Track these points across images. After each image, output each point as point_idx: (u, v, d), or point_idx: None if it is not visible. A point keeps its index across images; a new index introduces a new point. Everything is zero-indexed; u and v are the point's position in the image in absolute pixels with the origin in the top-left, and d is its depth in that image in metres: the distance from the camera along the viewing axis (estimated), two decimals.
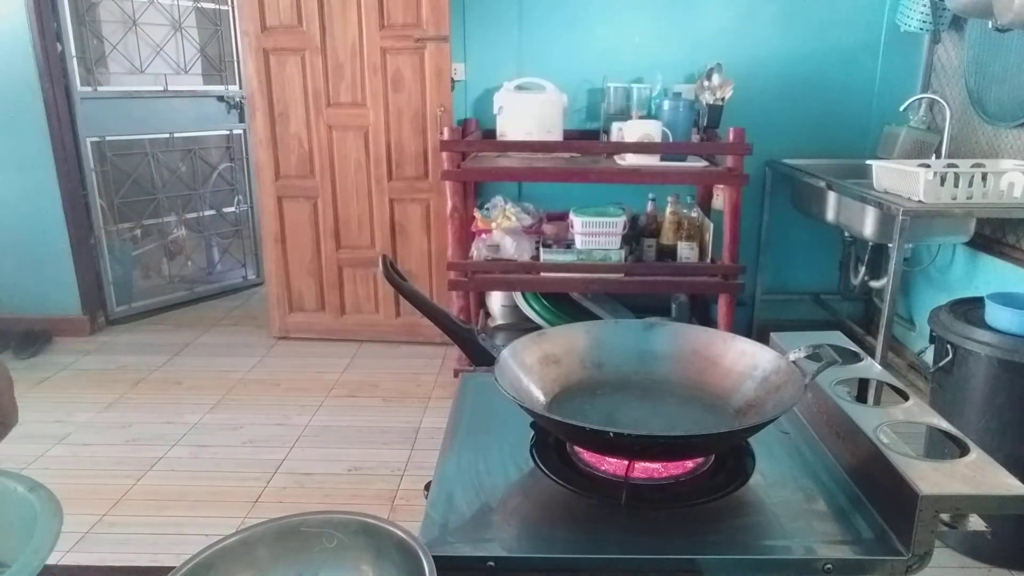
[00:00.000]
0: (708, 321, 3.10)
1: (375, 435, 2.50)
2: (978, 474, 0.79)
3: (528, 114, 2.88)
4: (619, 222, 2.70)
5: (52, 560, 0.66)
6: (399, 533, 0.74)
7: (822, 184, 2.67)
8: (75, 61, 3.25)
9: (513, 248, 2.79)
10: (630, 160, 2.72)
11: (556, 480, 0.92)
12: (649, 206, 2.93)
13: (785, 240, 3.28)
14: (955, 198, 2.19)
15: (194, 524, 2.02)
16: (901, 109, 2.76)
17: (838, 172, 2.76)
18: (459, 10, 3.08)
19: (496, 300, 3.13)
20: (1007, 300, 1.78)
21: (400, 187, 3.15)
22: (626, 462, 0.89)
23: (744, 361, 1.02)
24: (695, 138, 2.84)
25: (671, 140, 2.69)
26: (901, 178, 2.30)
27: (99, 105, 3.38)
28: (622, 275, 2.72)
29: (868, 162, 2.48)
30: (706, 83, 2.86)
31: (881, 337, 2.38)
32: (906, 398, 0.98)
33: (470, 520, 0.86)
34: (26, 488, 0.73)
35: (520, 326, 2.98)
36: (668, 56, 3.09)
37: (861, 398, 1.05)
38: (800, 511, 0.87)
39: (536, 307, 2.94)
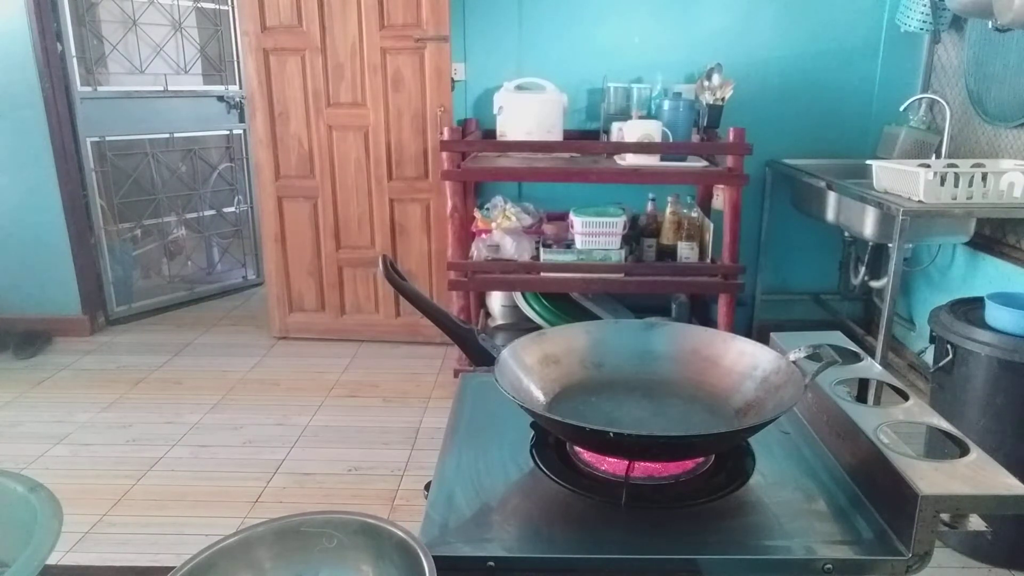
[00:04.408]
0: (708, 321, 3.10)
1: (375, 435, 2.50)
2: (978, 474, 0.79)
3: (528, 114, 2.88)
4: (619, 222, 2.70)
5: (52, 560, 0.66)
6: (399, 533, 0.74)
7: (822, 184, 2.67)
8: (75, 61, 3.25)
9: (513, 248, 2.79)
10: (630, 160, 2.72)
11: (556, 480, 0.92)
12: (649, 206, 2.93)
13: (785, 240, 3.28)
14: (955, 198, 2.19)
15: (194, 524, 2.02)
16: (901, 109, 2.76)
17: (838, 172, 2.76)
18: (459, 10, 3.08)
19: (496, 300, 3.13)
20: (1007, 300, 1.78)
21: (400, 187, 3.15)
22: (626, 462, 0.89)
23: (744, 361, 1.02)
24: (695, 138, 2.84)
25: (671, 140, 2.69)
26: (901, 178, 2.30)
27: (99, 105, 3.38)
28: (622, 275, 2.72)
29: (868, 162, 2.48)
30: (706, 83, 2.86)
31: (881, 337, 2.38)
32: (906, 398, 0.98)
33: (470, 520, 0.86)
34: (26, 488, 0.73)
35: (520, 326, 2.98)
36: (668, 56, 3.09)
37: (861, 398, 1.05)
38: (800, 511, 0.87)
39: (536, 307, 2.94)
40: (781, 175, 3.10)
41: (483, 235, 2.87)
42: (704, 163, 2.77)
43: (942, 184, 2.18)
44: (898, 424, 0.92)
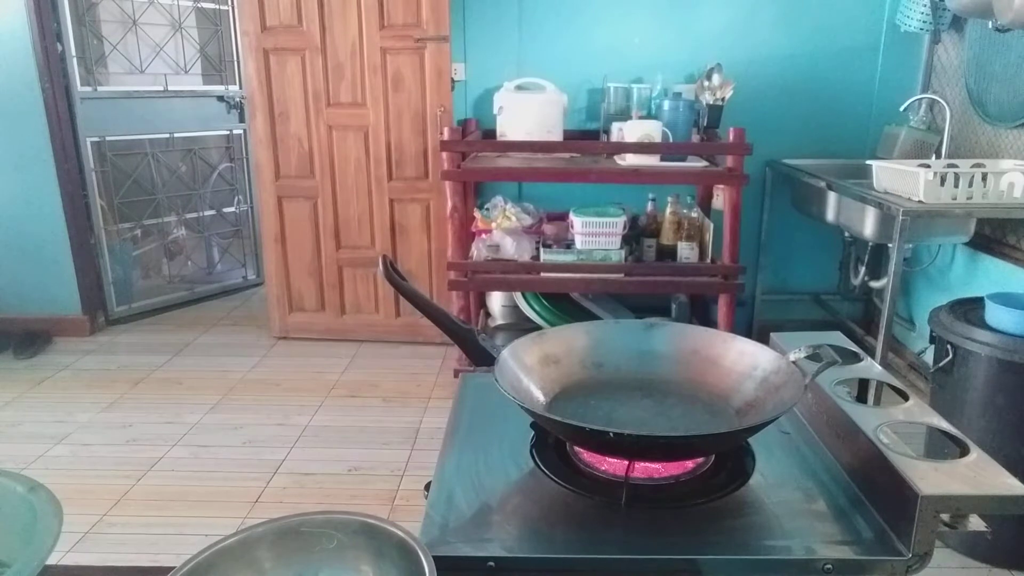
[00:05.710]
0: (708, 321, 3.10)
1: (375, 435, 2.50)
2: (978, 474, 0.79)
3: (528, 114, 2.88)
4: (619, 222, 2.70)
5: (52, 560, 0.66)
6: (399, 533, 0.74)
7: (822, 184, 2.67)
8: (75, 61, 3.25)
9: (513, 248, 2.79)
10: (630, 160, 2.72)
11: (556, 480, 0.92)
12: (649, 206, 2.93)
13: (785, 240, 3.28)
14: (955, 198, 2.19)
15: (194, 524, 2.02)
16: (901, 109, 2.76)
17: (838, 172, 2.76)
18: (459, 10, 3.08)
19: (496, 300, 3.13)
20: (1007, 300, 1.78)
21: (400, 187, 3.15)
22: (626, 462, 0.89)
23: (744, 361, 1.02)
24: (695, 138, 2.84)
25: (671, 140, 2.69)
26: (901, 178, 2.30)
27: (99, 105, 3.38)
28: (622, 275, 2.72)
29: (868, 162, 2.48)
30: (706, 83, 2.86)
31: (881, 337, 2.38)
32: (906, 398, 0.98)
33: (470, 520, 0.86)
34: (26, 488, 0.73)
35: (520, 326, 2.98)
36: (668, 56, 3.09)
37: (861, 398, 1.04)
38: (800, 511, 0.87)
39: (536, 307, 2.94)
40: (781, 175, 3.10)
41: (483, 235, 2.87)
42: (704, 163, 2.77)
43: (942, 184, 2.18)
44: (898, 424, 0.92)
